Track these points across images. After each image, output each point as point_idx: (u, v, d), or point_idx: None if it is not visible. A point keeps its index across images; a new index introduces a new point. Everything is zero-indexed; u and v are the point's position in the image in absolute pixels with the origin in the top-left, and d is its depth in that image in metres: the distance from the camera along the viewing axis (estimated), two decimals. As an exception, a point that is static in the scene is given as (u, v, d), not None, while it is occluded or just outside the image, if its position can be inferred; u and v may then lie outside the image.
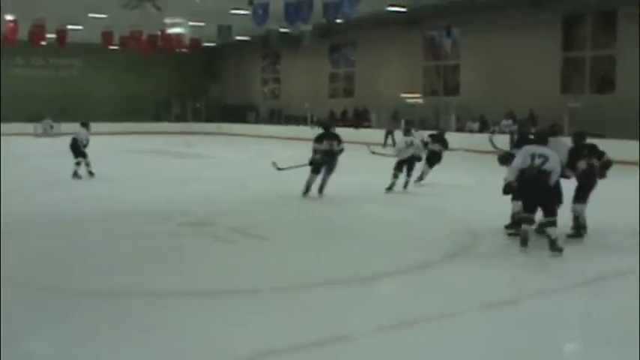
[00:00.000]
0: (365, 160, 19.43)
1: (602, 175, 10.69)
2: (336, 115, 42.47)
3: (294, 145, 28.36)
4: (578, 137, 10.96)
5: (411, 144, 16.90)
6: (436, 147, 18.21)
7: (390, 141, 33.93)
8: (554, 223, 9.53)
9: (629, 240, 10.86)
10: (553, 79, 32.32)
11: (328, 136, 15.72)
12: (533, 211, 9.78)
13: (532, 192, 9.67)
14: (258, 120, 50.94)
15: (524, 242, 9.74)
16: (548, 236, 9.61)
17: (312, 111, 42.60)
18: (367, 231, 11.76)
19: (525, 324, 6.76)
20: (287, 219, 13.18)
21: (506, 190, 10.50)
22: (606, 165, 10.68)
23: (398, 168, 16.59)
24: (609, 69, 30.51)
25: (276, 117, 49.61)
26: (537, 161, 9.52)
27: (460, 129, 34.41)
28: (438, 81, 39.20)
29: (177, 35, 38.71)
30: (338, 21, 29.74)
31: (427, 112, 37.64)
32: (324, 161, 15.43)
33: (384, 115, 38.21)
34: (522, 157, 9.68)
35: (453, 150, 18.66)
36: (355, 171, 19.58)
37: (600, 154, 10.77)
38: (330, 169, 15.58)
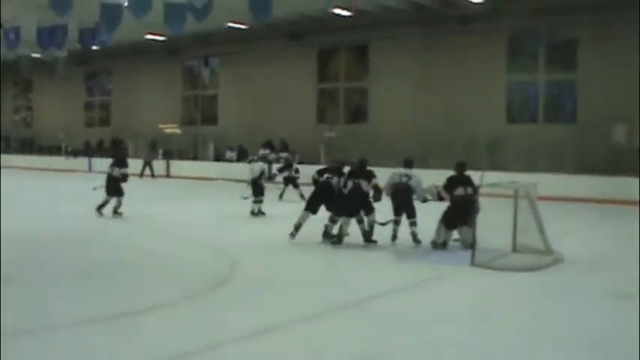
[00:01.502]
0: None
1: (377, 199, 13.15)
2: (92, 145, 41.19)
3: (47, 177, 26.98)
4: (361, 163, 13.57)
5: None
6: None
7: (147, 171, 33.28)
8: (415, 223, 12.86)
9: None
10: (309, 109, 33.25)
11: (114, 162, 17.10)
12: (402, 214, 13.07)
13: (399, 200, 13.02)
14: (8, 150, 48.28)
15: (394, 238, 13.07)
16: (412, 232, 12.90)
17: (67, 141, 41.12)
18: (126, 266, 11.26)
19: (291, 350, 6.71)
20: (45, 257, 12.24)
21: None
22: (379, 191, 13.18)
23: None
24: (362, 100, 31.86)
25: (28, 147, 47.27)
26: (404, 179, 13.07)
27: (218, 159, 34.54)
28: (196, 111, 39.11)
29: None
30: (94, 48, 28.86)
31: (185, 142, 37.50)
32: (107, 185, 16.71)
33: (142, 144, 37.58)
34: (392, 176, 13.28)
35: None
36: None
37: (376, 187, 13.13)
38: (113, 193, 16.68)
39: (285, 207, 17.48)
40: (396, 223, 13.17)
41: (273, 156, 29.43)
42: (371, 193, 13.00)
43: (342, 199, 13.14)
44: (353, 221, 12.93)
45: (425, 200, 13.24)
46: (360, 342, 7.01)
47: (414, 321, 7.89)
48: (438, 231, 12.64)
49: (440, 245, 12.50)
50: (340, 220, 13.00)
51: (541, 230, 11.70)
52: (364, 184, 12.94)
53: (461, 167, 12.87)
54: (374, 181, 13.04)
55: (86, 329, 7.31)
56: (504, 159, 24.76)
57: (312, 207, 13.55)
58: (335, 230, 13.09)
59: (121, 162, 17.08)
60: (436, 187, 13.07)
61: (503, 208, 11.84)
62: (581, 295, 9.14)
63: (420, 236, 12.78)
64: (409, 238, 12.92)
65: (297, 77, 33.42)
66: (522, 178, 14.64)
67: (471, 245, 11.39)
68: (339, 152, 25.12)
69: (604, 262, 11.75)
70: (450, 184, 12.64)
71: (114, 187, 16.69)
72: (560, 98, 26.87)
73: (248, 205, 17.19)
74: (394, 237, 13.12)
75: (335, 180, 13.48)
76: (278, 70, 33.73)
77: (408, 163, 13.52)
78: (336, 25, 30.57)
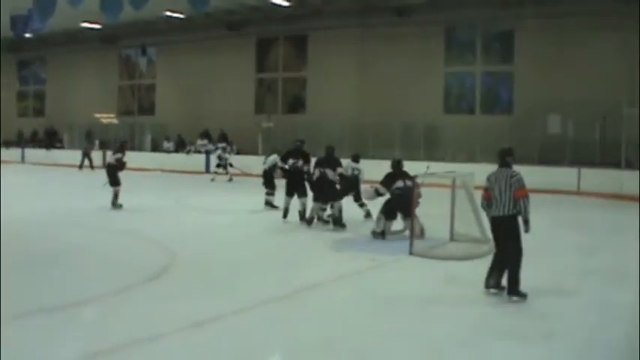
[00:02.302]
0: (58, 184, 18.27)
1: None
2: (25, 136, 40.35)
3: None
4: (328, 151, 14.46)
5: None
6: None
7: (87, 162, 32.57)
8: (363, 204, 14.66)
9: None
10: (247, 99, 33.13)
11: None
12: (341, 199, 14.07)
13: (350, 189, 14.49)
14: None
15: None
16: (364, 210, 14.74)
17: (-1, 131, 40.24)
18: (63, 258, 11.02)
19: (230, 341, 6.65)
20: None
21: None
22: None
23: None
24: (300, 90, 31.85)
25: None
26: (355, 172, 14.91)
27: (155, 149, 34.17)
28: (133, 100, 38.62)
29: None
30: (27, 35, 28.27)
31: (122, 133, 36.98)
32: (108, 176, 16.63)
33: (77, 135, 36.97)
34: (345, 168, 14.35)
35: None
36: (46, 195, 18.62)
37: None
38: (112, 183, 16.52)
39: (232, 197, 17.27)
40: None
41: (211, 146, 29.26)
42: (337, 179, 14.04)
43: (311, 186, 14.22)
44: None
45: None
46: (298, 331, 6.98)
47: (353, 310, 7.90)
48: (377, 221, 12.78)
49: (379, 234, 12.58)
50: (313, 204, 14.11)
51: (478, 219, 11.83)
52: (330, 173, 13.85)
53: (397, 165, 12.97)
54: (339, 169, 13.98)
55: (23, 321, 7.14)
56: (442, 149, 25.04)
57: (289, 192, 14.50)
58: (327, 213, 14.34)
59: (117, 149, 17.04)
60: (372, 186, 13.19)
61: (440, 197, 11.96)
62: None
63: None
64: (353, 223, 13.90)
65: (235, 67, 33.24)
66: (459, 168, 14.80)
67: (411, 235, 11.44)
68: (277, 142, 25.09)
69: (539, 249, 11.92)
70: (388, 180, 12.70)
71: (112, 175, 16.51)
72: (497, 89, 27.25)
73: (181, 195, 16.97)
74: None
75: (300, 163, 14.45)
76: (216, 60, 33.50)
77: (356, 158, 15.34)
78: (275, 15, 30.51)
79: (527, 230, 8.26)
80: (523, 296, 8.12)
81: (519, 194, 8.12)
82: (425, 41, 27.91)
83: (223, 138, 29.11)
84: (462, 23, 27.54)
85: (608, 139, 22.39)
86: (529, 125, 24.00)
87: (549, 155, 22.98)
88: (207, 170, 28.04)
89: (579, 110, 22.50)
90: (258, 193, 16.97)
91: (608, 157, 21.86)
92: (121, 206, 16.40)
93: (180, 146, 32.61)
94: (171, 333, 6.78)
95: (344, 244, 12.25)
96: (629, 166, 21.44)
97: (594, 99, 22.45)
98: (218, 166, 25.94)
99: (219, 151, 26.13)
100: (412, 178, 12.31)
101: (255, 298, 8.16)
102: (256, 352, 6.43)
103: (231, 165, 25.11)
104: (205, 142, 30.44)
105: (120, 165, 16.60)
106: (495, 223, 8.39)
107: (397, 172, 12.79)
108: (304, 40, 31.58)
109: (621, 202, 19.56)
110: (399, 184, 12.50)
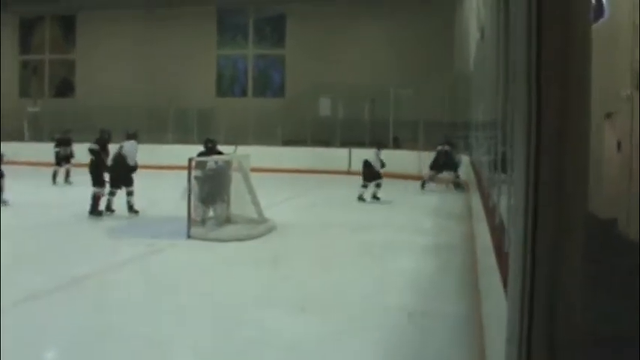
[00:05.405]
0: None
1: None
2: None
3: None
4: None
5: None
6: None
7: None
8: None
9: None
10: (11, 82, 31.48)
11: None
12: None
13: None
14: None
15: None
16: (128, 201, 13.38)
17: None
18: None
19: (10, 333, 6.33)
20: None
21: None
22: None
23: None
24: (69, 73, 30.72)
25: None
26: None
27: None
28: None
29: None
30: None
31: None
32: None
33: None
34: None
35: None
36: None
37: None
38: None
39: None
40: (112, 194, 13.41)
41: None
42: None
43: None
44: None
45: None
46: (80, 319, 6.79)
47: (132, 294, 7.78)
48: (195, 209, 11.76)
49: (199, 224, 11.78)
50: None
51: (254, 201, 12.00)
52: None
53: (207, 143, 12.86)
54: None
55: None
56: (215, 132, 25.16)
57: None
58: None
59: None
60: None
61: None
62: (295, 261, 9.54)
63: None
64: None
65: (-4, 48, 31.53)
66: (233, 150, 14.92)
67: (189, 217, 11.36)
68: (46, 128, 24.15)
69: (311, 229, 12.36)
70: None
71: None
72: (269, 72, 27.67)
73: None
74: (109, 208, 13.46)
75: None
76: (-25, 40, 31.61)
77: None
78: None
79: None
80: None
81: None
82: (198, 24, 27.83)
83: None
84: (234, 6, 27.66)
85: (377, 120, 23.37)
86: (301, 108, 24.58)
87: (321, 137, 23.65)
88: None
89: (349, 93, 23.34)
90: (29, 183, 16.15)
91: (377, 138, 22.81)
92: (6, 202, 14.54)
93: None
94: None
95: (122, 231, 12.00)
96: (397, 145, 22.55)
97: (363, 82, 23.37)
98: None
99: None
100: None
101: (36, 288, 7.84)
102: (40, 342, 6.18)
103: None
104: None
105: None
106: None
107: (207, 153, 12.59)
108: (72, 20, 30.45)
109: (391, 180, 20.52)
110: (211, 164, 12.18)
